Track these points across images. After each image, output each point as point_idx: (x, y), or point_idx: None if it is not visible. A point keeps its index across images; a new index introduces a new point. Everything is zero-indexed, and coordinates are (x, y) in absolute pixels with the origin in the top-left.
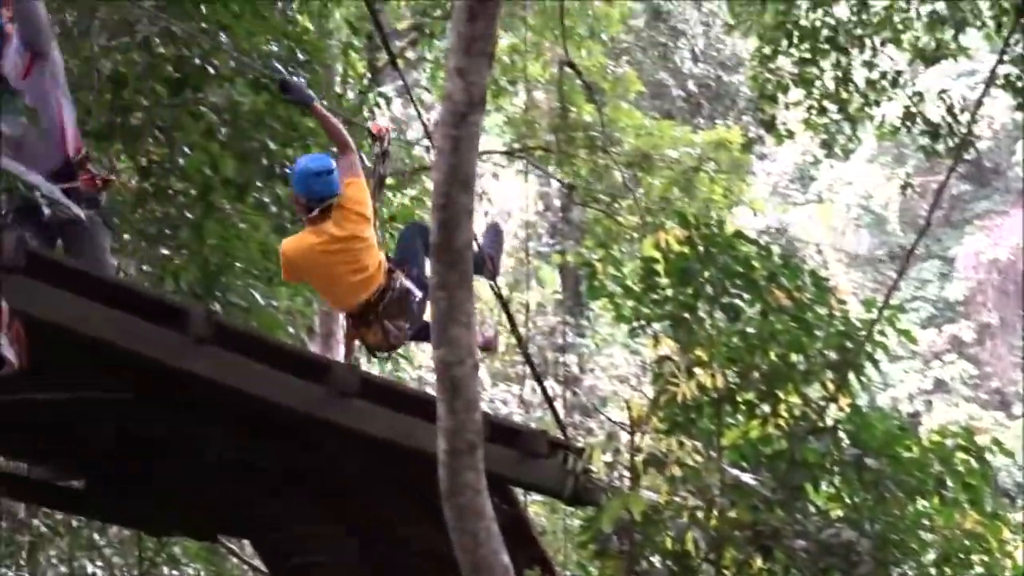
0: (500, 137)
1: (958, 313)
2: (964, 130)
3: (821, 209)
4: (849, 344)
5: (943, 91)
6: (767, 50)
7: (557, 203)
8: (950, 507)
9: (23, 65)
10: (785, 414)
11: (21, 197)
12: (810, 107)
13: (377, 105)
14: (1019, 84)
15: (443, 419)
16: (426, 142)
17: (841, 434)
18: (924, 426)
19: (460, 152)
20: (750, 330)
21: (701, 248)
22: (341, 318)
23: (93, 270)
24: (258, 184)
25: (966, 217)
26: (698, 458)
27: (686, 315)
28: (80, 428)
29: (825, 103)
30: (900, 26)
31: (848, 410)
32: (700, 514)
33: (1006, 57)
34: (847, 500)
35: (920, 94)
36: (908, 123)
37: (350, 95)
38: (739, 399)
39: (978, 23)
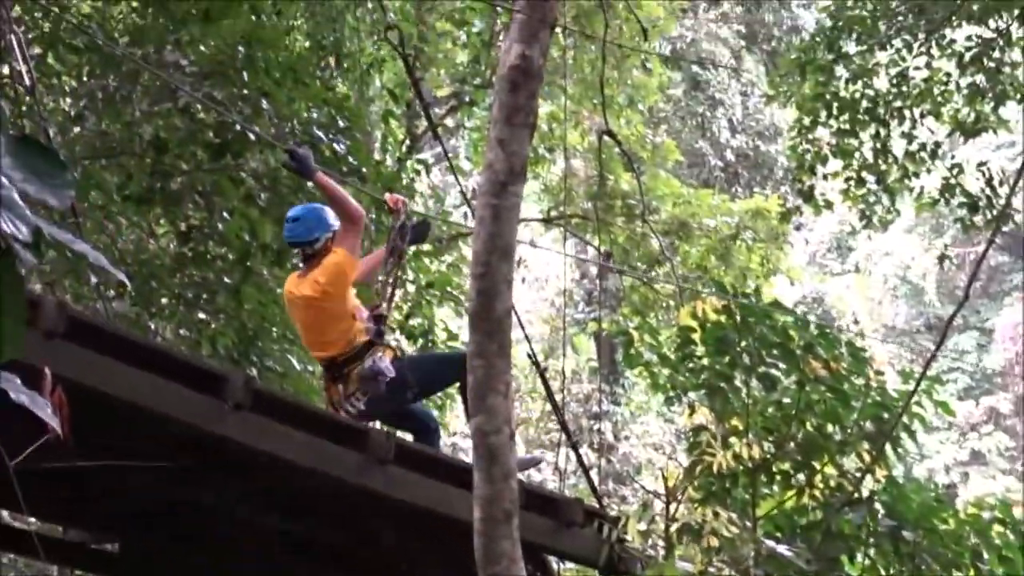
0: (538, 204)
1: (996, 385)
2: (1003, 202)
3: (859, 279)
4: (886, 415)
5: (982, 163)
6: (806, 121)
7: (594, 271)
8: None
9: None
10: (821, 485)
11: None
12: (848, 178)
13: (417, 172)
14: None
15: (479, 487)
16: (464, 208)
17: (877, 505)
18: (960, 498)
19: (500, 221)
20: (786, 400)
21: (738, 317)
22: None
23: None
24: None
25: (1004, 288)
26: (733, 528)
27: (722, 384)
28: (117, 492)
29: (864, 174)
30: (940, 98)
31: (884, 481)
32: None
33: None
34: (883, 572)
35: (959, 166)
36: (947, 195)
37: (389, 162)
38: (775, 469)
39: (1017, 96)
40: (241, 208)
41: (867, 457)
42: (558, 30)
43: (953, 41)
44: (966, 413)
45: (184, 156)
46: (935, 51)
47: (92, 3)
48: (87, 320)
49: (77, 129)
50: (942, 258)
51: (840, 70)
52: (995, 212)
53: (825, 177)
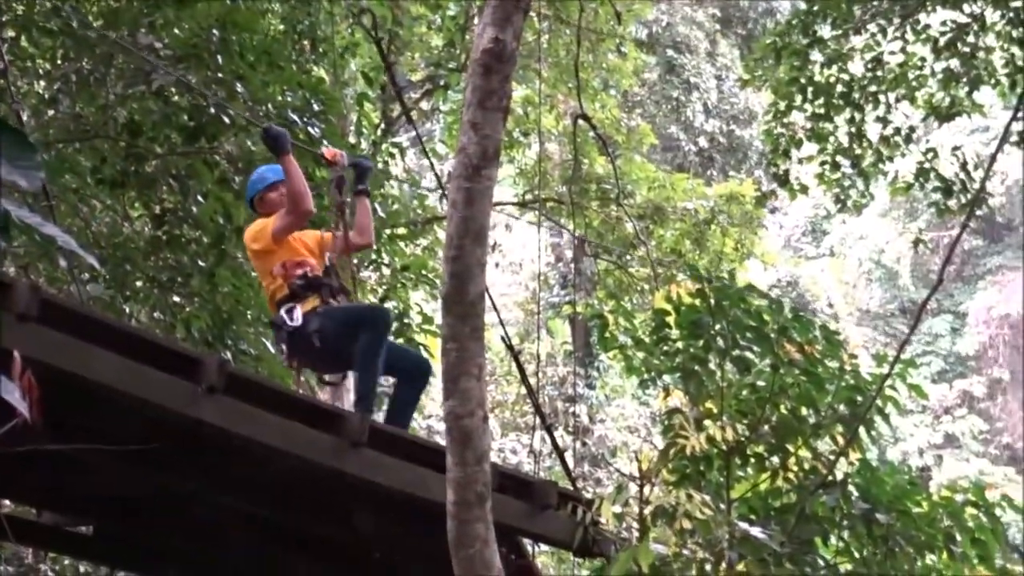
0: (512, 188)
1: (969, 368)
2: (977, 186)
3: (833, 263)
4: (859, 398)
5: (957, 147)
6: (781, 105)
7: (569, 254)
8: (960, 562)
9: None
10: (795, 468)
11: None
12: (823, 162)
13: (392, 155)
14: None
15: (452, 470)
16: (439, 192)
17: (851, 488)
18: (934, 481)
19: (473, 205)
20: (760, 383)
21: (712, 301)
22: None
23: None
24: None
25: (978, 272)
26: (707, 511)
27: (696, 368)
28: (91, 476)
29: (838, 158)
30: (914, 83)
31: (858, 464)
32: (709, 567)
33: (1020, 114)
34: (856, 554)
35: (934, 150)
36: (921, 179)
37: (364, 145)
38: (749, 452)
39: (992, 80)
40: (215, 191)
41: (841, 440)
42: (532, 14)
43: (928, 26)
44: (940, 396)
45: (158, 139)
46: (910, 36)
47: None
48: (60, 303)
49: (51, 112)
50: (916, 242)
51: (815, 55)
52: (969, 196)
53: (800, 161)
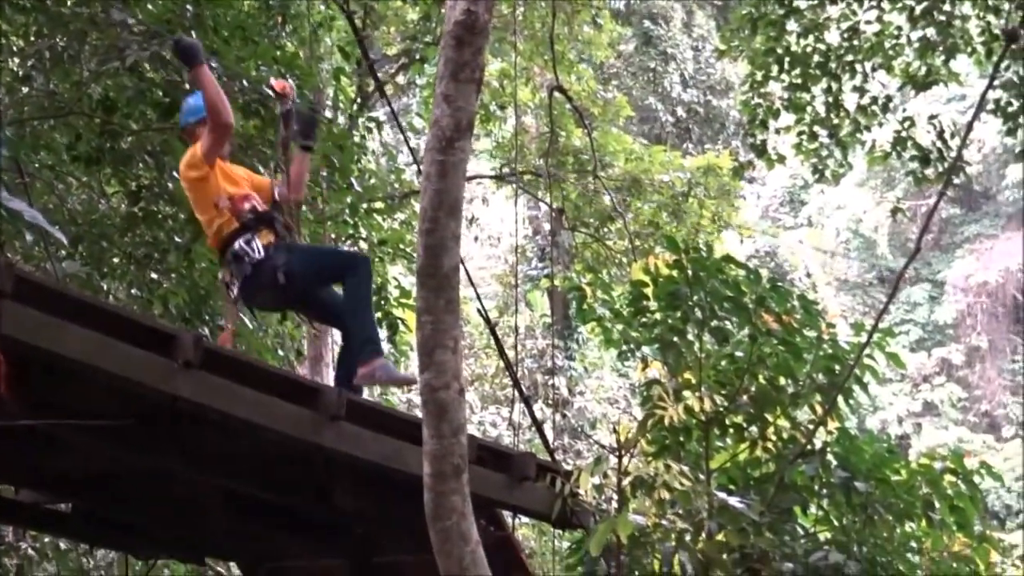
0: (489, 162)
1: (947, 336)
2: (954, 155)
3: (811, 233)
4: (838, 368)
5: (933, 116)
6: (758, 76)
7: (546, 227)
8: (938, 530)
9: None
10: (774, 437)
11: None
12: (801, 132)
13: (368, 130)
14: (1009, 109)
15: (428, 443)
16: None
17: (830, 457)
18: (913, 449)
19: (447, 178)
20: (739, 354)
21: (690, 272)
22: (330, 341)
23: None
24: None
25: (956, 241)
26: (686, 481)
27: (675, 339)
28: (69, 453)
29: (816, 128)
30: (891, 52)
31: (837, 433)
32: (688, 537)
33: (996, 82)
34: (835, 523)
35: (911, 119)
36: (899, 148)
37: (340, 120)
38: (728, 422)
39: (968, 49)
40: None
41: (819, 409)
42: None
43: None
44: (918, 365)
45: (133, 115)
46: (886, 5)
47: None
48: (35, 280)
49: (25, 89)
50: (894, 211)
51: (791, 24)
52: (947, 165)
53: (777, 131)
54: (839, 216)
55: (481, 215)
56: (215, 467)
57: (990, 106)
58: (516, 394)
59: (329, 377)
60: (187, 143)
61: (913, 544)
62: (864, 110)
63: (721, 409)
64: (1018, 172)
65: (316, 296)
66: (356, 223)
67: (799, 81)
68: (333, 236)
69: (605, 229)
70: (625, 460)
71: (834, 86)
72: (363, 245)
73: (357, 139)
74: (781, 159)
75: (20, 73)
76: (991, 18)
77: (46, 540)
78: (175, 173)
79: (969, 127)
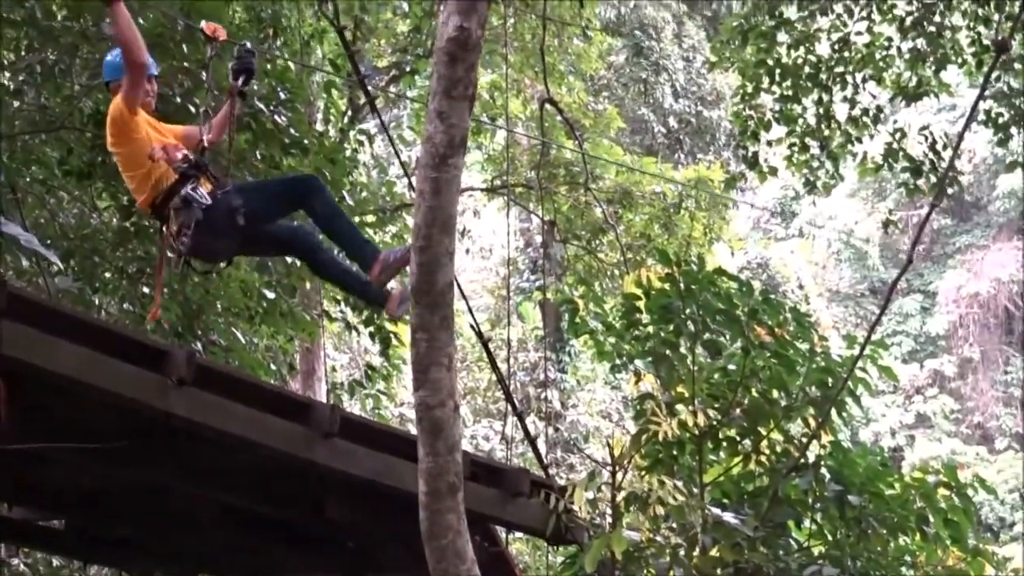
0: (481, 173)
1: (940, 348)
2: (945, 165)
3: (803, 244)
4: (831, 380)
5: (924, 127)
6: (749, 87)
7: (538, 239)
8: (932, 543)
9: None
10: (767, 451)
11: None
12: (792, 144)
13: (360, 143)
14: (1000, 120)
15: (423, 461)
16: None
17: (823, 470)
18: (906, 461)
19: (441, 195)
20: (731, 367)
21: (682, 285)
22: (322, 355)
23: None
24: None
25: (947, 252)
26: (680, 496)
27: (667, 352)
28: (62, 470)
29: (807, 140)
30: (882, 63)
31: (830, 446)
32: (682, 552)
33: (987, 93)
34: (829, 537)
35: (901, 130)
36: (890, 159)
37: (331, 132)
38: (721, 436)
39: (959, 60)
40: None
41: (813, 422)
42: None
43: (894, 6)
44: (911, 376)
45: None
46: (876, 16)
47: None
48: (27, 297)
49: (16, 104)
50: (886, 223)
51: (782, 36)
52: (938, 176)
53: (769, 143)
54: (831, 227)
55: (473, 227)
56: (210, 482)
57: (981, 117)
58: (509, 408)
59: (322, 392)
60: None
61: (907, 558)
62: (855, 121)
63: (714, 423)
64: (1009, 183)
65: (268, 232)
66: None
67: (790, 93)
68: None
69: (597, 241)
70: (619, 475)
71: (825, 97)
72: None
73: (348, 152)
74: (773, 171)
75: (11, 87)
76: (981, 29)
77: (39, 556)
78: None
79: (960, 138)
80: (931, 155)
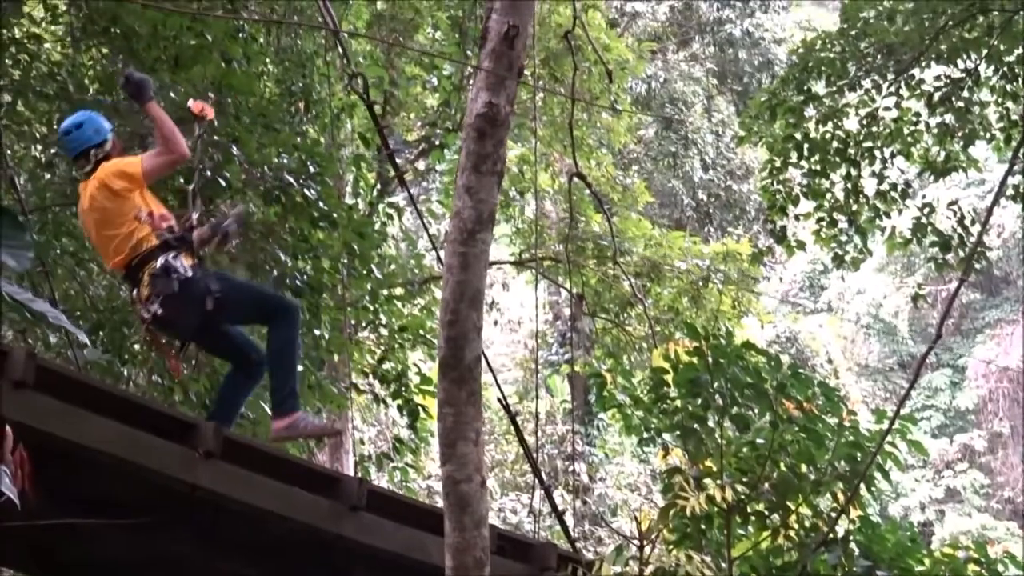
0: (509, 247)
1: (969, 422)
2: (974, 240)
3: (831, 318)
4: (859, 455)
5: (953, 202)
6: (777, 162)
7: (566, 312)
8: None
9: None
10: (796, 525)
11: None
12: (820, 218)
13: (389, 216)
14: None
15: (450, 536)
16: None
17: (852, 545)
18: (936, 536)
19: (469, 270)
20: (760, 441)
21: (710, 359)
22: (350, 427)
23: None
24: None
25: (976, 326)
26: (708, 571)
27: (695, 426)
28: (88, 542)
29: (835, 214)
30: (910, 138)
31: (859, 521)
32: None
33: (1015, 168)
34: None
35: (930, 205)
36: (918, 234)
37: (360, 206)
38: (749, 510)
39: (987, 135)
40: (212, 254)
41: (841, 497)
42: (527, 73)
43: (922, 81)
44: (941, 451)
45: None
46: (904, 91)
47: (62, 51)
48: (56, 369)
49: (47, 176)
50: (915, 297)
51: (810, 111)
52: (967, 250)
53: (797, 217)
54: (859, 301)
55: (501, 300)
56: (235, 555)
57: (1009, 192)
58: (536, 481)
59: (349, 465)
60: (83, 167)
61: None
62: (883, 196)
63: (743, 497)
64: None
65: (225, 331)
66: (376, 309)
67: (818, 167)
68: (353, 322)
69: (625, 315)
70: (647, 549)
71: (853, 172)
72: (383, 331)
73: (377, 225)
74: (801, 245)
75: (43, 160)
76: (1009, 105)
77: None
78: None
79: (989, 213)
80: (959, 230)
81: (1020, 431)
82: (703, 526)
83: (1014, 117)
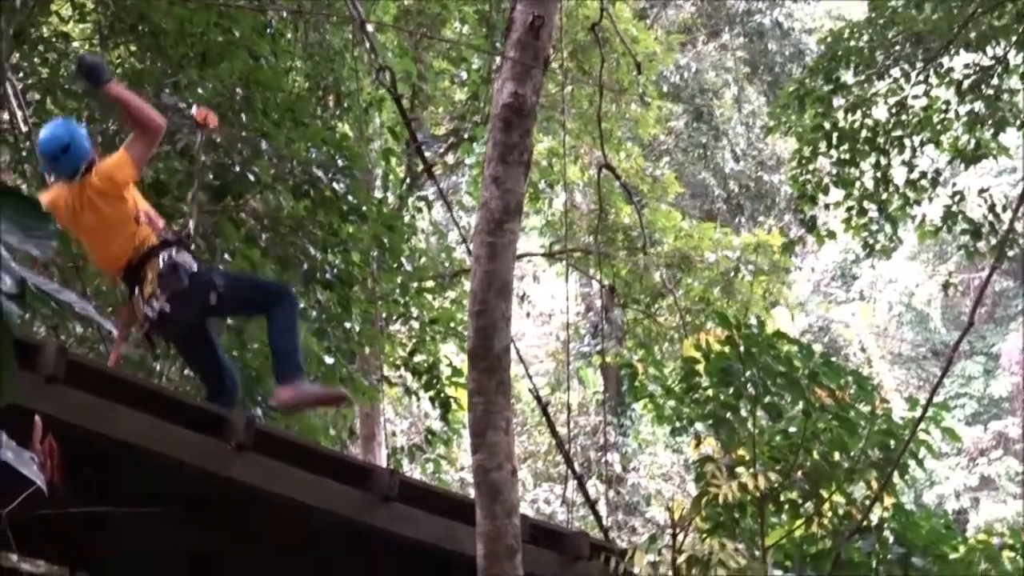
0: (539, 239)
1: (1004, 410)
2: (1005, 228)
3: (863, 307)
4: (893, 443)
5: (984, 190)
6: (806, 151)
7: (597, 304)
8: None
9: None
10: (829, 513)
11: None
12: (850, 208)
13: (418, 209)
14: None
15: (482, 524)
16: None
17: (886, 533)
18: (971, 524)
19: (497, 260)
20: (792, 429)
21: (742, 348)
22: (382, 420)
23: None
24: (298, 289)
25: (1009, 314)
26: (741, 560)
27: (728, 415)
28: (121, 535)
29: (865, 204)
30: (939, 126)
31: (893, 509)
32: None
33: None
34: None
35: (960, 193)
36: (949, 222)
37: (390, 199)
38: (782, 498)
39: (1017, 122)
40: (242, 249)
41: (875, 485)
42: (555, 65)
43: (951, 69)
44: (975, 438)
45: (184, 198)
46: (933, 80)
47: (90, 48)
48: (87, 364)
49: None
50: (947, 285)
51: (838, 100)
52: (998, 238)
53: (827, 207)
54: (891, 290)
55: (532, 292)
56: (268, 547)
57: None
58: (569, 471)
59: (382, 457)
60: (71, 177)
61: None
62: (913, 185)
63: (776, 485)
64: None
65: (213, 348)
66: (407, 302)
67: (847, 156)
68: (384, 315)
69: (656, 305)
70: (680, 537)
71: (882, 161)
72: (414, 324)
73: (407, 219)
74: (831, 235)
75: None
76: None
77: None
78: (227, 255)
79: (1021, 199)
80: (991, 217)
81: None
82: (736, 514)
83: None
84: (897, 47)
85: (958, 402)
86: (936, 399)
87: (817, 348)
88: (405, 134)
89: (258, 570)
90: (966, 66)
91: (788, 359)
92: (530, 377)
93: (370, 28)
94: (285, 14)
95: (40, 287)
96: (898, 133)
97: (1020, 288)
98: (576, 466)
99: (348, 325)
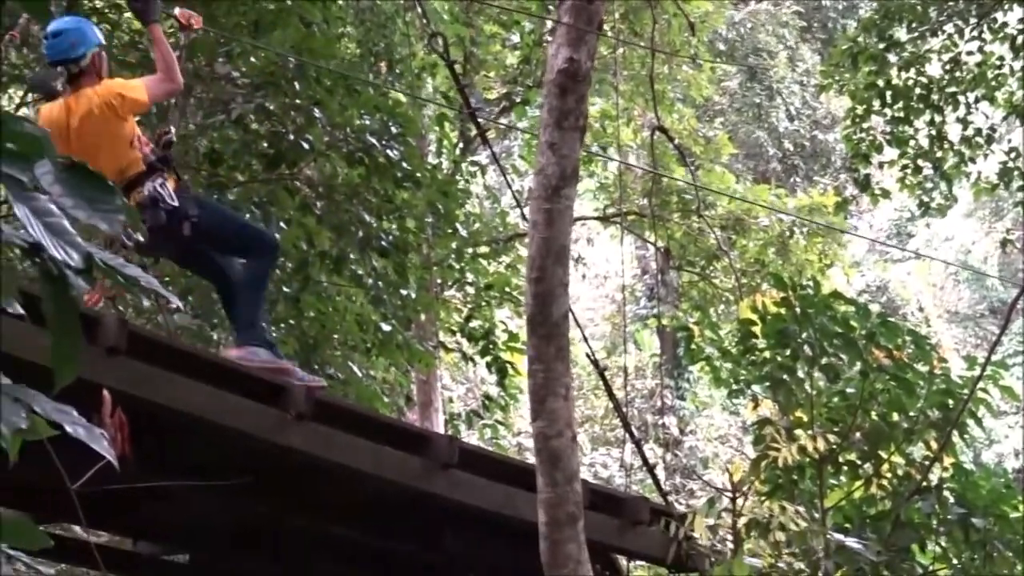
0: (593, 202)
1: None
2: None
3: (920, 266)
4: (951, 402)
5: None
6: (860, 110)
7: (653, 266)
8: None
9: None
10: (888, 474)
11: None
12: (904, 166)
13: (472, 174)
14: None
15: (543, 491)
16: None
17: (946, 493)
18: None
19: (554, 226)
20: (850, 390)
21: (798, 309)
22: (439, 386)
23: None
24: (354, 257)
25: None
26: (801, 522)
27: (785, 377)
28: (183, 506)
29: (920, 161)
30: (994, 82)
31: (952, 469)
32: None
33: None
34: (954, 560)
35: (1016, 149)
36: (1005, 179)
37: (444, 164)
38: (841, 460)
39: None
40: (298, 217)
41: (934, 445)
42: (607, 28)
43: (1005, 24)
44: None
45: (239, 167)
46: (987, 35)
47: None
48: (147, 335)
49: None
50: (1004, 242)
51: (892, 58)
52: None
53: (881, 166)
54: (947, 248)
55: (587, 255)
56: (328, 516)
57: None
58: (626, 435)
59: (439, 423)
60: (76, 82)
61: None
62: (968, 142)
63: (834, 447)
64: None
65: (208, 255)
66: (462, 268)
67: (901, 114)
68: (439, 281)
69: (711, 268)
70: (739, 501)
71: (937, 118)
72: (469, 290)
73: (461, 184)
74: (885, 194)
75: None
76: None
77: None
78: (282, 224)
79: None
80: None
81: None
82: (795, 477)
83: None
84: (951, 3)
85: (1016, 360)
86: (994, 357)
87: (874, 308)
88: (457, 99)
89: (318, 539)
90: (1020, 20)
91: (845, 320)
92: (587, 341)
93: None
94: None
95: (107, 262)
96: (952, 90)
97: None
98: (633, 430)
99: (404, 292)
